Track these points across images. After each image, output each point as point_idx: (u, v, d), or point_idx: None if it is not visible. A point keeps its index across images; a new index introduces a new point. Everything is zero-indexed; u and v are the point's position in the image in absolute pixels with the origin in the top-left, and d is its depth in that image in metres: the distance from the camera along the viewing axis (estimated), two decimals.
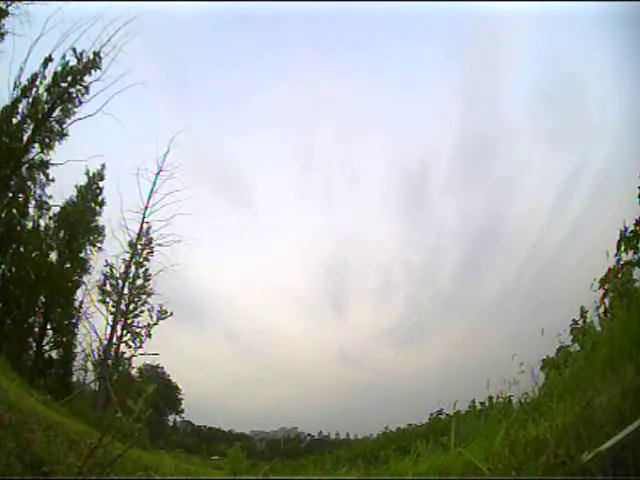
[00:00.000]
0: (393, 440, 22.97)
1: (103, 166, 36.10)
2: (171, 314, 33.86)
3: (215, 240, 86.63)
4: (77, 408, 22.66)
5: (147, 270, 34.98)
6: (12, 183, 28.95)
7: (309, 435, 65.08)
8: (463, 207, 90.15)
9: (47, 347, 31.75)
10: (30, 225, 31.81)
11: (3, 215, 29.10)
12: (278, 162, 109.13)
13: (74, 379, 34.09)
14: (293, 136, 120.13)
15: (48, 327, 31.68)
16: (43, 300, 31.47)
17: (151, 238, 35.03)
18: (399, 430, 25.51)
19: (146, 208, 34.41)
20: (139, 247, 34.69)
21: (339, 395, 73.49)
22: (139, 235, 34.47)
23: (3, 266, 30.13)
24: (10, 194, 29.17)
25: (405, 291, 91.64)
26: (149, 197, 34.67)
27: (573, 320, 9.95)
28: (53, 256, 33.12)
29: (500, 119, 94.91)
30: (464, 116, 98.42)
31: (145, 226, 34.80)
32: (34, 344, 30.96)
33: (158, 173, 34.98)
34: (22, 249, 31.06)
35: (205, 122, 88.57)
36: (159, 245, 34.82)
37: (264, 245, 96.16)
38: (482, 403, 15.47)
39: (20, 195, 30.46)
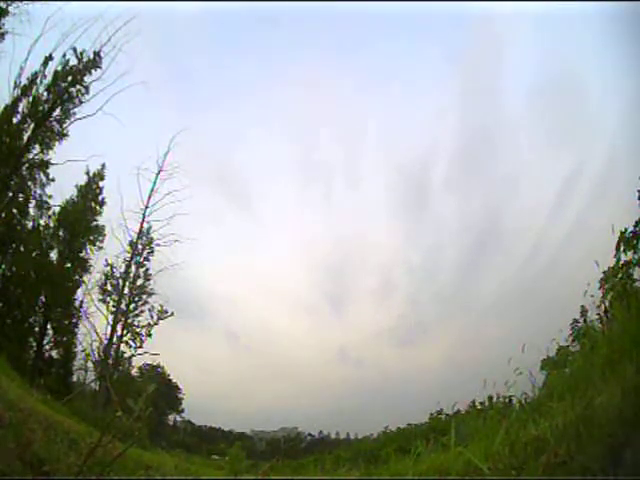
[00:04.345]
0: (393, 440, 23.04)
1: (103, 166, 36.15)
2: (171, 314, 33.84)
3: (215, 240, 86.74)
4: (77, 408, 22.64)
5: (147, 270, 34.99)
6: (12, 183, 29.02)
7: (309, 435, 65.11)
8: (463, 206, 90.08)
9: (47, 347, 31.75)
10: (30, 225, 31.80)
11: (3, 215, 29.07)
12: (278, 161, 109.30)
13: (74, 379, 34.12)
14: (293, 135, 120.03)
15: (48, 327, 31.67)
16: (43, 300, 31.46)
17: (151, 238, 35.03)
18: (399, 430, 25.68)
19: (146, 208, 34.41)
20: (139, 247, 34.67)
21: (339, 394, 73.49)
22: (139, 235, 34.45)
23: (3, 266, 30.11)
24: (10, 194, 29.18)
25: (405, 290, 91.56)
26: (149, 197, 34.69)
27: (574, 320, 9.96)
28: (53, 256, 33.14)
29: (500, 118, 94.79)
30: (464, 115, 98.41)
31: (145, 226, 34.81)
32: (34, 343, 30.96)
33: (158, 173, 35.00)
34: (22, 249, 31.03)
35: (205, 122, 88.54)
36: (159, 245, 34.82)
37: (264, 244, 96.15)
38: (482, 403, 15.48)
39: (20, 195, 30.45)
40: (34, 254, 31.40)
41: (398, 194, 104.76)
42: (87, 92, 30.74)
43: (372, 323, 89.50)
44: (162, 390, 46.25)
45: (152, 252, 35.04)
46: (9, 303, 29.58)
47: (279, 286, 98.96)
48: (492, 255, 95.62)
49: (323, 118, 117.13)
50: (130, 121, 60.12)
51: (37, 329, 31.12)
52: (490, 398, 14.81)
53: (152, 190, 34.71)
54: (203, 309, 74.40)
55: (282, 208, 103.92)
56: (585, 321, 9.44)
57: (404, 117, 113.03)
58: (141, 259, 34.89)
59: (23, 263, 30.31)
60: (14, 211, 30.09)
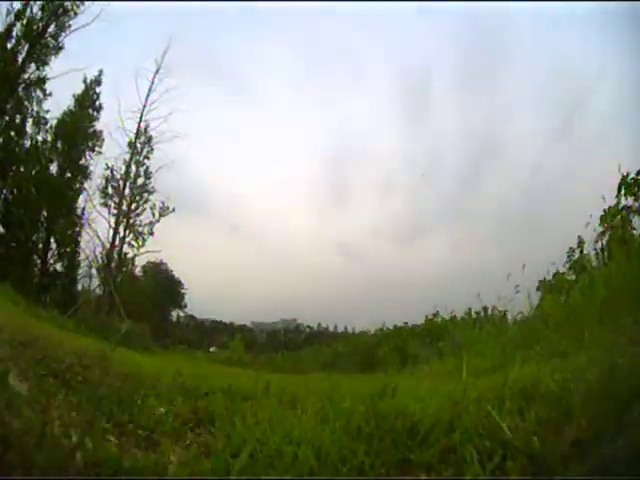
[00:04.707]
0: (390, 338, 24.00)
1: (100, 72, 34.88)
2: (173, 210, 33.81)
3: (215, 135, 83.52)
4: (82, 317, 23.56)
5: (147, 168, 34.60)
6: (9, 107, 28.65)
7: (308, 327, 67.29)
8: (465, 115, 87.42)
9: (51, 261, 32.20)
10: (29, 144, 31.37)
11: (1, 140, 28.86)
12: (278, 55, 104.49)
13: (79, 287, 34.80)
14: (294, 29, 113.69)
15: (51, 241, 31.98)
16: (45, 215, 31.56)
17: (150, 136, 34.42)
18: (395, 328, 26.23)
19: (144, 107, 33.51)
20: (138, 146, 34.18)
21: (337, 288, 75.68)
22: (137, 134, 33.84)
23: (5, 190, 30.04)
24: (7, 117, 28.82)
25: (406, 190, 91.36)
26: (147, 96, 33.63)
27: (570, 248, 10.29)
28: (53, 169, 32.81)
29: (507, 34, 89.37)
30: (471, 24, 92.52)
31: (143, 125, 34.11)
32: (38, 261, 31.42)
33: (156, 72, 33.67)
34: (22, 169, 30.79)
35: (203, 17, 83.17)
36: (158, 142, 34.29)
37: (264, 139, 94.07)
38: (477, 313, 16.22)
39: (17, 116, 29.95)
40: (34, 171, 31.14)
41: (401, 93, 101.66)
42: (82, 2, 29.64)
43: (372, 219, 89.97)
44: (165, 285, 47.27)
45: (152, 150, 34.60)
46: (12, 226, 29.81)
47: (279, 179, 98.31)
48: (492, 173, 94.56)
49: (326, 12, 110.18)
50: (127, 26, 56.14)
51: (40, 246, 31.48)
52: (485, 309, 15.61)
53: (150, 89, 33.67)
54: (204, 203, 73.91)
55: (283, 102, 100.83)
56: (582, 252, 9.83)
57: (408, 18, 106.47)
58: (141, 158, 34.55)
59: (24, 183, 30.15)
60: (12, 134, 29.78)
